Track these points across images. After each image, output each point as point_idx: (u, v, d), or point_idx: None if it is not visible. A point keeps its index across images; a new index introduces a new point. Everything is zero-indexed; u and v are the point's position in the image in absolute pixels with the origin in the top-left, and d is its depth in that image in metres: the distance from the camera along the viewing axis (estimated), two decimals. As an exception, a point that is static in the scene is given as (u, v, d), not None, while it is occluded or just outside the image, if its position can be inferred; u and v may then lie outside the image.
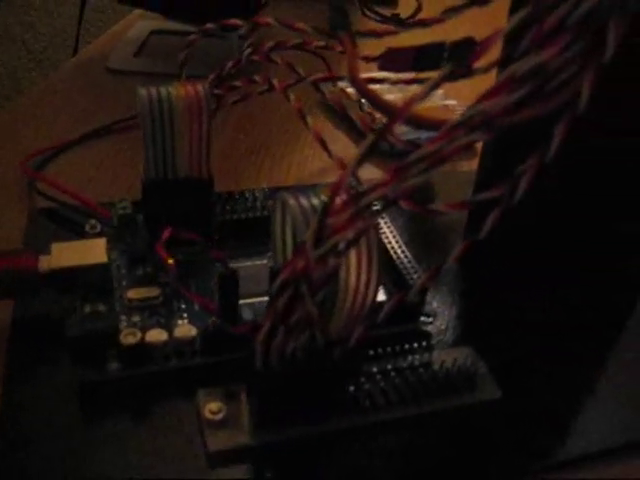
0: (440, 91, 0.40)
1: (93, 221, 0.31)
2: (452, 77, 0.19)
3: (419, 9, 0.43)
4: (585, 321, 0.29)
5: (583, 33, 0.18)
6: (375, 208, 0.20)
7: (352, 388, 0.24)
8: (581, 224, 0.29)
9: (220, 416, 0.23)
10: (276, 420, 0.24)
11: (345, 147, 0.38)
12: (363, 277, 0.21)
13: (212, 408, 0.24)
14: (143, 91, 0.27)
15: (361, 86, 0.20)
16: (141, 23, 0.55)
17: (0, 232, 0.33)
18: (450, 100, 0.42)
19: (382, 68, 0.24)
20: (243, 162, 0.39)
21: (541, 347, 0.28)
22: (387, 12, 0.39)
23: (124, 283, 0.28)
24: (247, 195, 0.32)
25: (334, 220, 0.19)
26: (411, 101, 0.17)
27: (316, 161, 0.39)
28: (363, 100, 0.32)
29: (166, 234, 0.26)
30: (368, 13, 0.40)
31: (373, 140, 0.17)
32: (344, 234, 0.19)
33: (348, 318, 0.22)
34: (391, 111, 0.19)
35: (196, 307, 0.27)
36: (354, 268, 0.21)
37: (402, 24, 0.31)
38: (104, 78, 0.48)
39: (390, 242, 0.30)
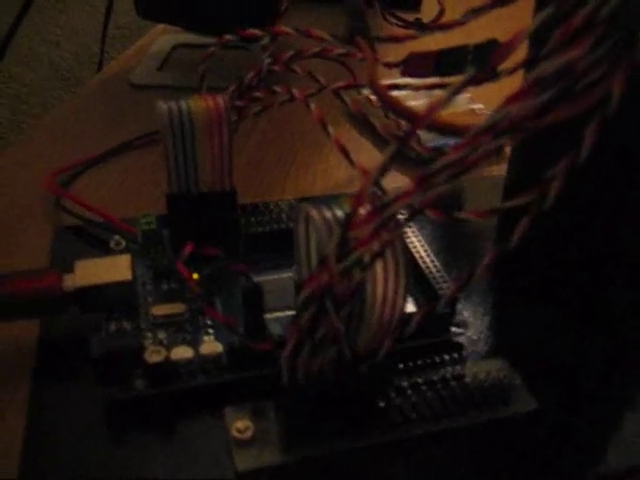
0: (466, 95, 0.39)
1: (117, 237, 0.31)
2: (476, 81, 0.19)
3: (442, 13, 0.42)
4: (622, 330, 0.28)
5: (612, 31, 0.17)
6: (401, 218, 0.19)
7: (382, 403, 0.24)
8: (618, 233, 0.28)
9: (248, 434, 0.23)
10: (305, 437, 0.23)
11: (370, 156, 0.38)
12: (390, 289, 0.21)
13: (240, 426, 0.23)
14: (163, 106, 0.26)
15: (381, 92, 0.19)
16: (164, 37, 0.55)
17: (26, 250, 0.33)
18: (476, 104, 0.41)
19: (405, 74, 0.23)
20: (268, 173, 0.38)
21: (576, 357, 0.27)
22: (409, 17, 0.38)
23: (149, 299, 0.27)
24: (272, 207, 0.31)
25: (358, 232, 0.19)
26: (433, 107, 0.16)
27: (342, 170, 0.38)
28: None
29: (187, 250, 0.25)
30: (389, 18, 0.39)
31: (395, 148, 0.17)
32: (369, 246, 0.19)
33: (376, 332, 0.21)
34: (412, 117, 0.19)
35: (223, 316, 0.26)
36: (381, 280, 0.20)
37: (423, 28, 0.30)
38: (128, 93, 0.48)
39: (419, 252, 0.29)
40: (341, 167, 0.38)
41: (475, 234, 0.33)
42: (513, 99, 0.17)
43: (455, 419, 0.24)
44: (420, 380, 0.25)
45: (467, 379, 0.25)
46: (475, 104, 0.41)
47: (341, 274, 0.19)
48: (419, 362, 0.25)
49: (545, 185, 0.18)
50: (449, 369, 0.25)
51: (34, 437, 0.24)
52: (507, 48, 0.17)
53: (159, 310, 0.27)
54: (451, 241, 0.33)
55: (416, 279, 0.28)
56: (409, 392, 0.24)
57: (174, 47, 0.54)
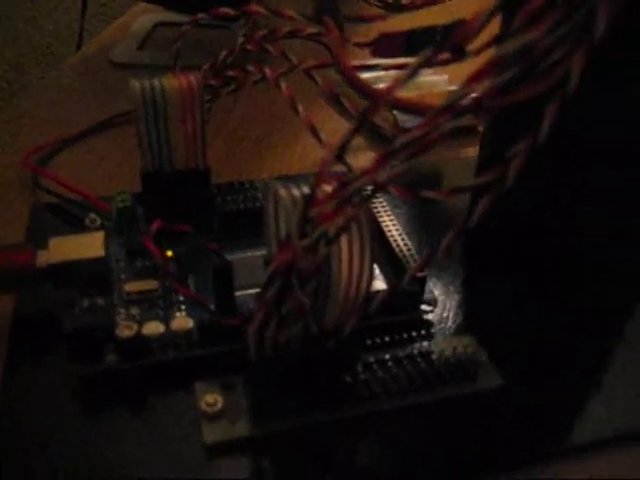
0: (445, 76, 0.39)
1: (93, 215, 0.31)
2: (441, 61, 0.19)
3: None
4: (589, 309, 0.29)
5: (572, 12, 0.17)
6: (364, 195, 0.19)
7: (349, 378, 0.24)
8: (582, 210, 0.28)
9: (217, 408, 0.23)
10: (273, 411, 0.23)
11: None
12: (355, 265, 0.21)
13: (209, 400, 0.23)
14: (136, 84, 0.26)
15: (347, 73, 0.20)
16: (145, 16, 0.55)
17: (3, 228, 0.33)
18: (455, 86, 0.42)
19: (375, 54, 0.24)
20: (245, 153, 0.38)
21: (543, 336, 0.28)
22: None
23: (123, 276, 0.28)
24: (247, 186, 0.32)
25: (322, 208, 0.19)
26: (394, 85, 0.17)
27: (319, 150, 0.38)
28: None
29: (155, 226, 0.26)
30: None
31: (355, 126, 0.17)
32: (333, 222, 0.19)
33: (342, 307, 0.22)
34: (375, 96, 0.19)
35: (193, 294, 0.27)
36: (345, 256, 0.20)
37: (401, 10, 0.31)
38: (108, 72, 0.47)
39: (391, 231, 0.29)
40: (318, 147, 0.38)
41: (450, 215, 0.34)
42: (473, 79, 0.18)
43: (421, 395, 0.24)
44: (387, 356, 0.25)
45: (434, 356, 0.25)
46: (453, 86, 0.42)
47: (305, 250, 0.19)
48: (388, 339, 0.26)
49: (506, 164, 0.19)
50: (417, 346, 0.26)
51: (6, 411, 0.24)
52: (469, 28, 0.18)
53: (132, 287, 0.27)
54: (426, 221, 0.33)
55: (388, 258, 0.29)
56: (376, 367, 0.25)
57: (155, 25, 0.54)
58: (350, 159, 0.25)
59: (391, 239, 0.29)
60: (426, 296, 0.28)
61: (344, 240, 0.21)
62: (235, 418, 0.23)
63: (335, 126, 0.35)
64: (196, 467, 0.23)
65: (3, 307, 0.28)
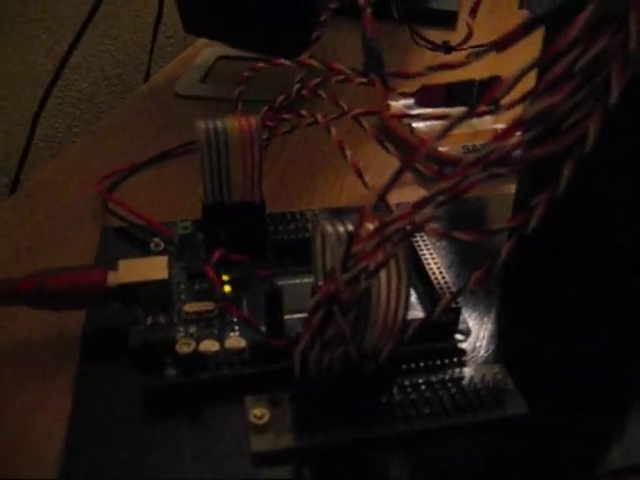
0: (489, 117, 0.42)
1: (157, 239, 0.34)
2: (475, 114, 0.21)
3: (469, 36, 0.45)
4: (619, 339, 0.30)
5: (589, 79, 0.19)
6: (403, 234, 0.22)
7: (385, 399, 0.26)
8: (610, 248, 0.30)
9: (264, 420, 0.26)
10: (314, 426, 0.26)
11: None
12: (393, 296, 0.23)
13: (257, 413, 0.26)
14: (201, 124, 0.29)
15: (387, 127, 0.22)
16: (208, 49, 0.59)
17: (75, 247, 0.36)
18: (500, 124, 0.44)
19: (418, 103, 0.26)
20: (297, 186, 0.41)
21: (571, 365, 0.29)
22: (444, 35, 0.41)
23: (183, 297, 0.30)
24: (298, 217, 0.34)
25: (363, 246, 0.21)
26: (432, 138, 0.19)
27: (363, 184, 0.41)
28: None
29: (216, 256, 0.28)
30: (417, 39, 0.42)
31: (395, 174, 0.20)
32: (372, 259, 0.21)
33: (380, 334, 0.24)
34: (413, 149, 0.22)
35: (247, 316, 0.29)
36: (384, 288, 0.23)
37: (449, 51, 0.33)
38: (173, 103, 0.51)
39: (429, 264, 0.31)
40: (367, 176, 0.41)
41: (488, 248, 0.36)
42: (501, 136, 0.20)
43: (452, 418, 0.26)
44: (421, 381, 0.27)
45: (465, 382, 0.27)
46: (498, 124, 0.44)
47: (347, 282, 0.22)
48: (422, 364, 0.28)
49: (530, 211, 0.21)
50: (449, 372, 0.28)
51: (77, 419, 0.27)
52: (502, 86, 0.20)
53: (191, 307, 0.30)
54: (464, 254, 0.35)
55: (425, 289, 0.31)
56: (410, 390, 0.27)
57: (218, 59, 0.58)
58: (396, 192, 0.27)
59: (429, 271, 0.31)
60: (460, 326, 0.30)
61: (383, 273, 0.23)
62: (280, 431, 0.26)
63: (382, 161, 0.38)
64: (244, 474, 0.25)
65: (75, 322, 0.31)
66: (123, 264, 0.30)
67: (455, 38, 0.45)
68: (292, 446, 0.25)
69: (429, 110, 0.26)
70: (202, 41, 0.60)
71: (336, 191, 0.40)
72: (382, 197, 0.20)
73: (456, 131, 0.22)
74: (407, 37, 0.47)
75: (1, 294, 0.29)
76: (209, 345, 0.27)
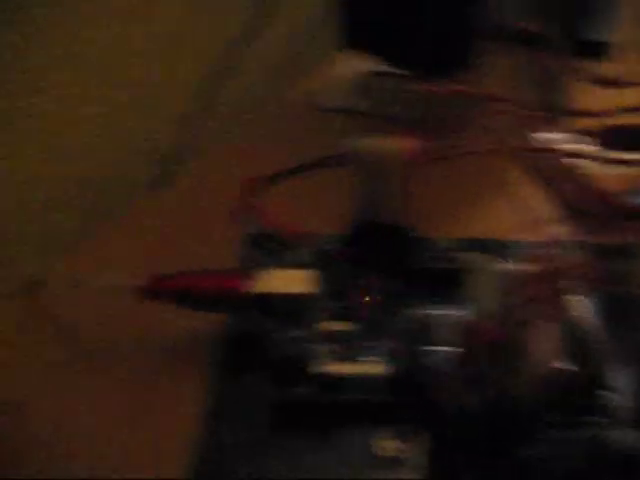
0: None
1: (299, 251, 0.34)
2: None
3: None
4: None
5: None
6: (569, 285, 0.20)
7: (522, 449, 0.25)
8: None
9: (392, 454, 0.25)
10: (443, 466, 0.25)
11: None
12: (544, 346, 0.22)
13: (388, 445, 0.25)
14: (358, 141, 0.29)
15: (555, 165, 0.21)
16: (354, 62, 0.59)
17: (215, 248, 0.37)
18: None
19: (601, 144, 0.25)
20: (450, 213, 0.40)
21: None
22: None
23: (321, 314, 0.30)
24: (448, 244, 0.33)
25: (526, 290, 0.20)
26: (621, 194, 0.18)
27: (515, 217, 0.39)
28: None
29: (370, 282, 0.28)
30: (579, 73, 0.40)
31: (561, 216, 0.18)
32: (532, 307, 0.20)
33: (526, 382, 0.23)
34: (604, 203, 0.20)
35: (384, 347, 0.28)
36: (537, 338, 0.22)
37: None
38: (315, 115, 0.51)
39: (586, 317, 0.30)
40: (515, 214, 0.39)
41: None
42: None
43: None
44: (562, 435, 0.26)
45: (607, 443, 0.25)
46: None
47: (501, 324, 0.21)
48: (565, 418, 0.26)
49: None
50: (592, 431, 0.26)
51: (208, 424, 0.27)
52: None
53: (330, 325, 0.29)
54: (623, 311, 0.33)
55: (577, 341, 0.29)
56: (549, 444, 0.25)
57: (366, 73, 0.57)
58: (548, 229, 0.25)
59: (584, 324, 0.29)
60: (608, 383, 0.28)
61: (539, 321, 0.22)
62: (409, 467, 0.25)
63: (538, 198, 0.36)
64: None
65: (209, 326, 0.31)
66: (265, 273, 0.30)
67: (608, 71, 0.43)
68: (421, 483, 0.24)
69: (613, 153, 0.25)
70: (351, 53, 0.60)
71: (490, 222, 0.39)
72: (556, 245, 0.19)
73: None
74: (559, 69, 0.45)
75: (151, 289, 0.29)
76: (347, 368, 0.27)
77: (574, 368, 0.24)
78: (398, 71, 0.51)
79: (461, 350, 0.22)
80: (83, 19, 0.42)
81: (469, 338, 0.22)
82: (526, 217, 0.32)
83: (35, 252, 0.43)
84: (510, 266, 0.22)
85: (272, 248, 0.36)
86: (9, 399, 0.28)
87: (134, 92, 0.49)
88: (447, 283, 0.31)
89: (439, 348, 0.28)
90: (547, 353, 0.23)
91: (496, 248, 0.33)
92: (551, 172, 0.29)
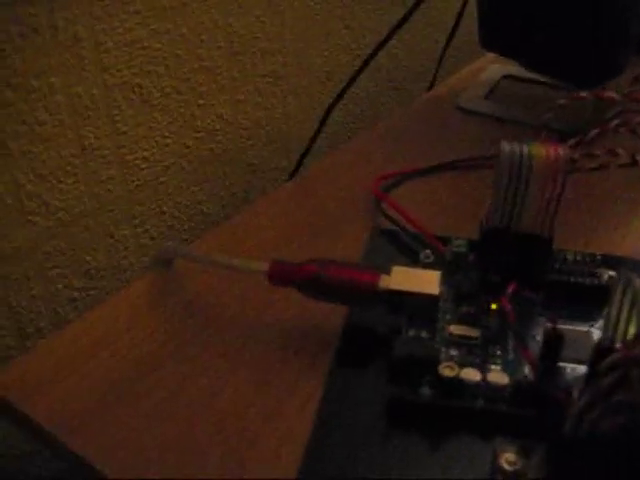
0: None
1: (428, 251, 0.33)
2: None
3: None
4: None
5: None
6: None
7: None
8: None
9: (516, 468, 0.24)
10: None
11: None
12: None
13: (509, 458, 0.24)
14: (506, 146, 0.28)
15: None
16: (494, 66, 0.57)
17: (343, 240, 0.37)
18: None
19: None
20: (590, 226, 0.38)
21: None
22: None
23: (448, 317, 0.30)
24: (581, 258, 0.32)
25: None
26: None
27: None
28: None
29: (511, 289, 0.27)
30: None
31: None
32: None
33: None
34: None
35: (510, 356, 0.28)
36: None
37: None
38: (454, 115, 0.50)
39: None
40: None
41: None
42: None
43: None
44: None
45: None
46: None
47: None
48: None
49: None
50: None
51: (323, 419, 0.27)
52: None
53: (456, 329, 0.29)
54: None
55: None
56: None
57: (504, 77, 0.56)
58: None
59: None
60: None
61: None
62: (529, 482, 0.24)
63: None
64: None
65: (336, 318, 0.31)
66: (396, 270, 0.30)
67: None
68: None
69: None
70: (489, 57, 0.59)
71: (619, 237, 0.37)
72: None
73: None
74: None
75: (282, 276, 0.30)
76: (472, 374, 0.26)
77: None
78: (536, 77, 0.50)
79: (607, 374, 0.21)
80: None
81: (600, 358, 0.21)
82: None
83: (173, 229, 0.45)
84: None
85: (403, 245, 0.36)
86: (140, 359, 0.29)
87: (271, 82, 0.50)
88: (583, 298, 0.30)
89: (570, 364, 0.27)
90: None
91: (634, 267, 0.32)
92: None
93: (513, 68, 0.56)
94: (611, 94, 0.30)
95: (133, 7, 0.38)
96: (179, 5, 0.41)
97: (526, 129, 0.47)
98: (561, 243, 0.36)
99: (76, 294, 0.41)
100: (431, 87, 0.55)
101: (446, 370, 0.26)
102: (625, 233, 0.38)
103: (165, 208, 0.44)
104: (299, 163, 0.43)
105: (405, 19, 0.39)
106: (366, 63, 0.39)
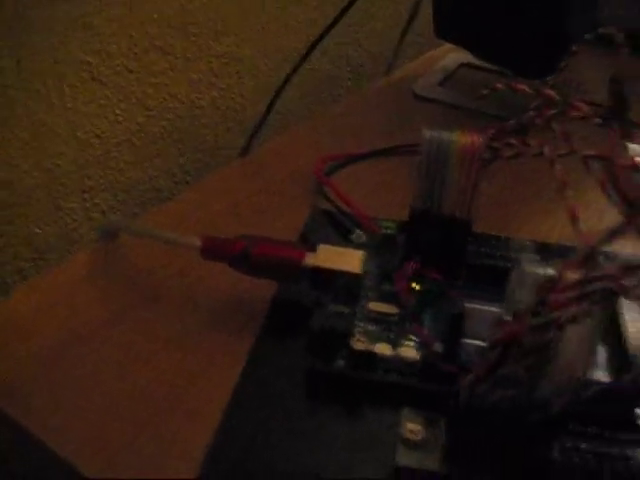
0: None
1: (360, 232, 0.35)
2: None
3: None
4: None
5: None
6: (603, 295, 0.21)
7: (542, 454, 0.25)
8: None
9: (417, 438, 0.26)
10: (465, 457, 0.25)
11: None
12: (576, 353, 0.22)
13: (412, 428, 0.26)
14: (427, 132, 0.30)
15: (616, 176, 0.21)
16: (453, 55, 0.58)
17: (283, 218, 0.38)
18: None
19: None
20: (509, 211, 0.40)
21: None
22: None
23: (370, 294, 0.31)
24: (502, 242, 0.34)
25: (559, 296, 0.21)
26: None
27: (581, 224, 0.39)
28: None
29: (410, 267, 0.29)
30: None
31: (611, 233, 0.19)
32: (566, 311, 0.21)
33: (555, 387, 0.23)
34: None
35: (425, 333, 0.29)
36: (569, 344, 0.22)
37: None
38: (408, 101, 0.52)
39: (628, 327, 0.29)
40: (582, 222, 0.39)
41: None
42: None
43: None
44: (587, 447, 0.26)
45: (633, 462, 0.25)
46: None
47: (534, 328, 0.21)
48: (593, 431, 0.26)
49: None
50: (620, 447, 0.26)
51: (243, 383, 0.28)
52: None
53: (375, 306, 0.30)
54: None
55: (618, 353, 0.29)
56: (572, 455, 0.25)
57: (460, 65, 0.57)
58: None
59: (626, 334, 0.29)
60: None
61: (572, 327, 0.22)
62: (429, 452, 0.26)
63: (602, 209, 0.36)
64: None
65: (266, 290, 0.32)
66: (322, 248, 0.31)
67: None
68: (437, 470, 0.25)
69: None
70: (448, 46, 0.60)
71: (548, 226, 0.39)
72: (592, 254, 0.19)
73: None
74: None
75: (213, 251, 0.31)
76: (383, 348, 0.28)
77: (608, 380, 0.24)
78: (488, 66, 0.51)
79: (493, 349, 0.22)
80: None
81: (499, 337, 0.22)
82: (587, 230, 0.32)
83: (125, 203, 0.46)
84: (549, 269, 0.22)
85: (339, 225, 0.37)
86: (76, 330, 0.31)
87: (224, 64, 0.51)
88: (499, 280, 0.31)
89: (476, 342, 0.29)
90: (578, 360, 0.23)
91: (549, 251, 0.33)
92: (622, 182, 0.28)
93: (471, 57, 0.57)
94: (550, 93, 0.31)
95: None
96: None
97: (478, 117, 0.48)
98: (493, 229, 0.37)
99: (24, 264, 0.42)
100: (388, 72, 0.56)
101: (358, 343, 0.28)
102: (555, 220, 0.39)
103: (116, 183, 0.45)
104: (248, 143, 0.44)
105: (353, 1, 0.40)
106: (313, 46, 0.40)
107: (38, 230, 0.42)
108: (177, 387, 0.28)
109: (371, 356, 0.28)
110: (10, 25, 0.37)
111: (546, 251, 0.34)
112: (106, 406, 0.27)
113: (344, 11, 0.41)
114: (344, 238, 0.35)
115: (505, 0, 0.44)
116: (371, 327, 0.29)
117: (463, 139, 0.29)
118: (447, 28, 0.49)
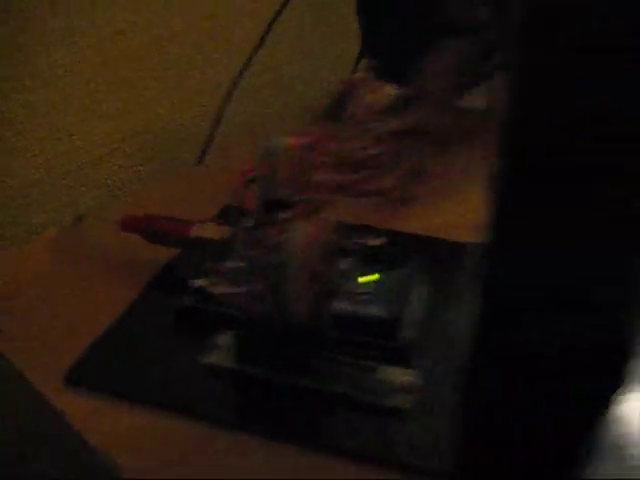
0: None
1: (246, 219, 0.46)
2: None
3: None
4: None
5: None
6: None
7: (300, 351, 0.36)
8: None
9: (218, 343, 0.37)
10: (248, 358, 0.36)
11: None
12: (310, 257, 0.33)
13: (223, 341, 0.37)
14: (268, 138, 0.41)
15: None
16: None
17: (207, 213, 0.50)
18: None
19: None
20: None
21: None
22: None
23: (229, 255, 0.42)
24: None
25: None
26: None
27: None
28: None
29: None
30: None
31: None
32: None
33: (296, 291, 0.33)
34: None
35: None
36: (300, 244, 0.33)
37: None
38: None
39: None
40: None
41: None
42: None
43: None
44: (341, 358, 0.36)
45: (371, 375, 0.35)
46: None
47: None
48: (354, 347, 0.36)
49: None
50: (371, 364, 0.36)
51: (120, 319, 0.41)
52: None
53: (228, 264, 0.41)
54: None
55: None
56: (327, 357, 0.35)
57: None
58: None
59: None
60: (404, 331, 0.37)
61: (303, 229, 0.32)
62: (226, 353, 0.37)
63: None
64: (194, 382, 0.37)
65: (161, 255, 0.44)
66: (208, 225, 0.43)
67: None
68: (229, 366, 0.36)
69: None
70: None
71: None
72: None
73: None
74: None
75: (129, 225, 0.44)
76: (219, 288, 0.38)
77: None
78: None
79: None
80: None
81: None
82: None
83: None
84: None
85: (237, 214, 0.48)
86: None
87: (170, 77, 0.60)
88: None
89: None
90: (314, 265, 0.33)
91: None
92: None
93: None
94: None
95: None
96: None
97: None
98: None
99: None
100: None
101: (198, 282, 0.39)
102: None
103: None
104: (202, 155, 0.56)
105: (279, 12, 0.51)
106: (247, 63, 0.52)
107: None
108: (81, 323, 0.41)
109: (208, 293, 0.39)
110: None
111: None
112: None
113: (271, 23, 0.52)
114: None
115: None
116: (220, 278, 0.40)
117: (289, 142, 0.40)
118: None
